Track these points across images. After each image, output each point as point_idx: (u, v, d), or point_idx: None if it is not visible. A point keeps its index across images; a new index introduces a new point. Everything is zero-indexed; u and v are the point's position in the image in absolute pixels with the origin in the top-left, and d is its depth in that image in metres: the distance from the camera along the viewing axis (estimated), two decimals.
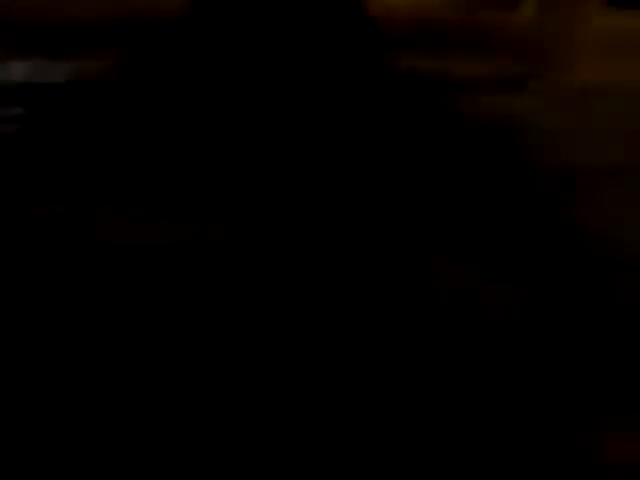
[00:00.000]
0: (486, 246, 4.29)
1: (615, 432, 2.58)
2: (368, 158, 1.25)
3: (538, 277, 3.92)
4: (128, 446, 1.85)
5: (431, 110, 7.87)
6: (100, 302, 3.15)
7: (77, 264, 3.64)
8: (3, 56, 11.32)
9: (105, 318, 3.06)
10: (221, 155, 1.38)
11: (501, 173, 5.74)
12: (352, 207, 1.38)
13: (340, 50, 1.40)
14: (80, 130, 5.88)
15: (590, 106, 8.23)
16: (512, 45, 11.23)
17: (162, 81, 7.45)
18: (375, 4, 25.40)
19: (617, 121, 7.46)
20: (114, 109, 6.33)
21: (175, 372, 2.74)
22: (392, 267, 1.48)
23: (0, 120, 6.20)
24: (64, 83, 9.26)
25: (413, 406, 2.48)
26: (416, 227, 4.53)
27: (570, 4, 10.00)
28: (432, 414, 2.59)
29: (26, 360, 2.30)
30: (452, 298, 3.63)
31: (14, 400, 2.56)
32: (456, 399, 2.77)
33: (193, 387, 2.33)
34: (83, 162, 5.43)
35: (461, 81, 9.96)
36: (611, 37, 12.57)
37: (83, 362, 2.65)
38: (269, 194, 1.36)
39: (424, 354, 2.69)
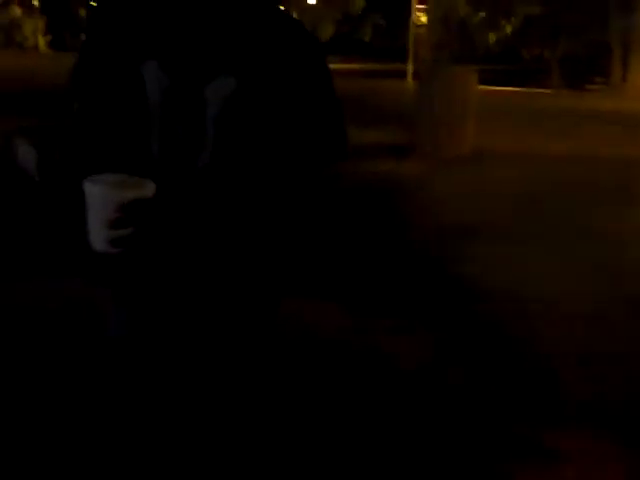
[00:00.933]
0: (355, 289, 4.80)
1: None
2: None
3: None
4: None
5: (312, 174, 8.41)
6: None
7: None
8: None
9: None
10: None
11: (378, 230, 6.32)
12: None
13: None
14: None
15: (470, 170, 8.97)
16: (400, 113, 11.99)
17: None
18: None
19: (495, 184, 8.16)
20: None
21: None
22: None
23: None
24: None
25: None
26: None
27: (451, 78, 10.81)
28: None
29: None
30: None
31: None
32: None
33: None
34: None
35: (354, 148, 10.61)
36: (488, 109, 13.63)
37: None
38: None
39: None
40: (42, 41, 43.93)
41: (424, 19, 33.14)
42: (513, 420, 3.31)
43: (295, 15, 55.11)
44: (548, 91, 23.83)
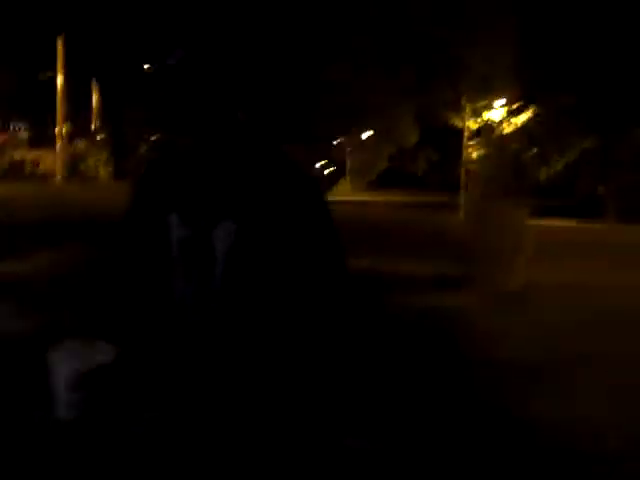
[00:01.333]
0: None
1: None
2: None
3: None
4: None
5: (367, 306, 8.29)
6: None
7: None
8: None
9: None
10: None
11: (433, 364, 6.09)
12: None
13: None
14: None
15: (522, 304, 8.74)
16: (450, 246, 11.93)
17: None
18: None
19: (548, 318, 7.92)
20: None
21: None
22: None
23: None
24: None
25: None
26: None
27: (499, 213, 10.80)
28: None
29: None
30: None
31: None
32: None
33: None
34: None
35: (401, 280, 10.51)
36: (541, 244, 13.49)
37: None
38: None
39: None
40: (103, 171, 45.68)
41: (475, 155, 33.61)
42: None
43: (349, 150, 56.57)
44: (602, 225, 23.65)
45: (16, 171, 43.21)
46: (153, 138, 55.21)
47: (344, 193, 50.47)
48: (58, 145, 41.06)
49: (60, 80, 40.78)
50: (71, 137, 43.61)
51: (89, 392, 1.51)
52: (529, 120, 33.35)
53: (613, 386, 5.60)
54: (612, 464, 4.28)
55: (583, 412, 5.00)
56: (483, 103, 34.10)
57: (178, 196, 1.67)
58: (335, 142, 58.34)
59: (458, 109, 34.17)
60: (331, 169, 67.56)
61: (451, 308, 8.56)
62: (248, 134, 1.71)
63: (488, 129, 35.10)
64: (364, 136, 53.52)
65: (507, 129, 35.07)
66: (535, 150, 33.69)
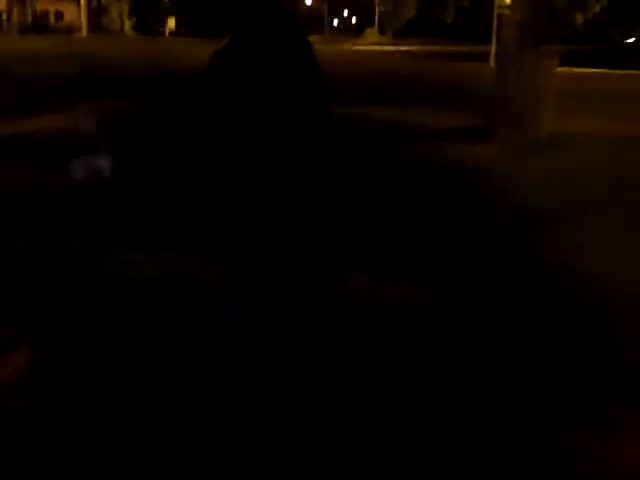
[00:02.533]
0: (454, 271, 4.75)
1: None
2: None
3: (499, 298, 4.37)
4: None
5: (394, 158, 8.36)
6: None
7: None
8: None
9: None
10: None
11: (463, 210, 6.23)
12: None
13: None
14: None
15: (547, 154, 8.75)
16: (481, 96, 11.80)
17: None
18: (339, 52, 26.05)
19: (571, 169, 7.93)
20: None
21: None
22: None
23: None
24: None
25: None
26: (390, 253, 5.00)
27: (530, 59, 10.55)
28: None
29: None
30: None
31: None
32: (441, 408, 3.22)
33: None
34: None
35: (432, 131, 10.50)
36: (572, 92, 13.25)
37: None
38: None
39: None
40: (128, 24, 44.78)
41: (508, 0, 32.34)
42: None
43: None
44: (638, 72, 23.01)
45: (40, 24, 42.55)
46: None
47: (372, 41, 49.22)
48: None
49: None
50: None
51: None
52: None
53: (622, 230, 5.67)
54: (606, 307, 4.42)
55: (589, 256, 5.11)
56: None
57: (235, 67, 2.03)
58: None
59: None
60: (356, 17, 65.43)
61: (475, 157, 8.59)
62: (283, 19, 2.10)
63: None
64: None
65: None
66: None
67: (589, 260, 5.01)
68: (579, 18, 34.63)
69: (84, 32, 39.18)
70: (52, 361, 3.31)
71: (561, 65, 10.87)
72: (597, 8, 32.97)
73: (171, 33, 51.72)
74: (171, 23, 53.73)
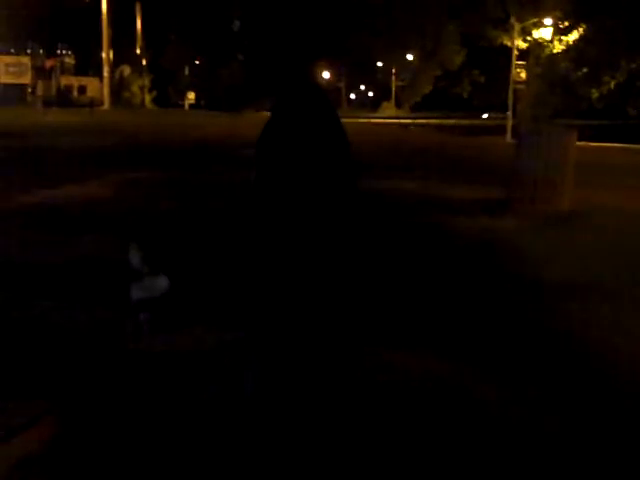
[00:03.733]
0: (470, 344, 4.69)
1: None
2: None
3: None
4: None
5: (417, 229, 8.37)
6: None
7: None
8: None
9: None
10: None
11: (477, 284, 6.18)
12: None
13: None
14: None
15: (568, 228, 8.74)
16: (497, 169, 11.87)
17: None
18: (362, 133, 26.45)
19: (594, 242, 7.90)
20: None
21: None
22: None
23: None
24: None
25: None
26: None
27: (550, 133, 10.67)
28: None
29: None
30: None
31: None
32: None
33: None
34: None
35: (451, 203, 10.55)
36: (590, 166, 13.33)
37: None
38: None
39: None
40: (148, 98, 45.76)
41: (523, 75, 32.89)
42: None
43: (394, 70, 55.68)
44: None
45: (64, 98, 43.52)
46: (197, 62, 55.04)
47: (389, 114, 49.95)
48: (105, 71, 41.03)
49: (104, 3, 40.56)
50: (115, 63, 43.59)
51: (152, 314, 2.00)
52: (579, 39, 32.43)
53: None
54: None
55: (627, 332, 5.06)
56: (533, 21, 33.20)
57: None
58: (379, 65, 57.50)
59: (506, 28, 33.35)
60: (373, 92, 66.58)
61: (498, 230, 8.58)
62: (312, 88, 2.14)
63: (537, 48, 34.26)
64: (409, 58, 52.59)
65: (557, 48, 34.18)
66: (585, 70, 32.87)
67: (618, 335, 4.95)
68: (594, 93, 35.10)
69: (106, 105, 40.01)
70: (73, 434, 3.26)
71: (577, 140, 10.94)
72: (612, 84, 33.36)
73: (191, 106, 52.80)
74: (190, 96, 54.89)
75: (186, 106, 53.21)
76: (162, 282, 2.05)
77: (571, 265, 6.82)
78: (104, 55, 40.72)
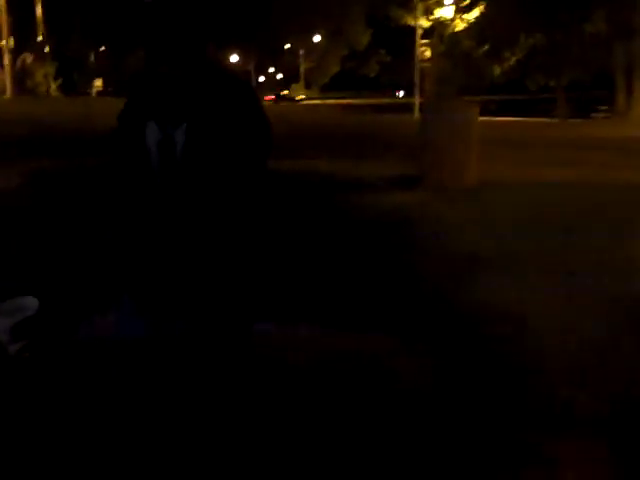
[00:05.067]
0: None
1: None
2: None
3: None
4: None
5: (323, 207, 8.58)
6: None
7: None
8: None
9: None
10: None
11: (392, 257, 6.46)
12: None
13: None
14: None
15: (474, 200, 9.11)
16: (407, 146, 12.19)
17: None
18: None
19: (499, 213, 8.27)
20: None
21: None
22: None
23: None
24: None
25: None
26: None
27: (452, 109, 11.06)
28: None
29: None
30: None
31: None
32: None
33: None
34: None
35: (361, 181, 10.82)
36: (493, 140, 13.82)
37: None
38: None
39: None
40: (54, 86, 44.61)
41: (428, 54, 33.56)
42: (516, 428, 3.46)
43: (302, 52, 55.85)
44: (553, 120, 24.07)
45: None
46: (102, 48, 53.84)
47: (298, 96, 50.09)
48: (6, 59, 39.77)
49: None
50: (18, 51, 42.28)
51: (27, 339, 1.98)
52: (480, 17, 33.24)
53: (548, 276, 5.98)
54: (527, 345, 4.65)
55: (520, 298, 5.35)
56: (435, 0, 33.87)
57: (154, 109, 2.18)
58: (287, 47, 57.52)
59: (410, 7, 33.89)
60: (282, 74, 66.62)
61: (406, 204, 8.88)
62: (209, 62, 2.20)
63: (440, 27, 34.95)
64: (315, 39, 52.78)
65: (459, 26, 34.95)
66: (487, 47, 33.74)
67: (519, 302, 5.27)
68: (496, 69, 35.99)
69: (8, 94, 38.88)
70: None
71: (481, 114, 11.37)
72: (513, 60, 34.33)
73: (99, 93, 51.70)
74: (98, 83, 53.73)
75: (93, 93, 52.11)
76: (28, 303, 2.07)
77: (476, 236, 7.12)
78: (3, 43, 39.49)
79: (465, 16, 34.07)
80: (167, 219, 2.14)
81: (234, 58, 60.24)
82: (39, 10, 45.41)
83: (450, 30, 35.03)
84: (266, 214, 2.26)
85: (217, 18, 2.26)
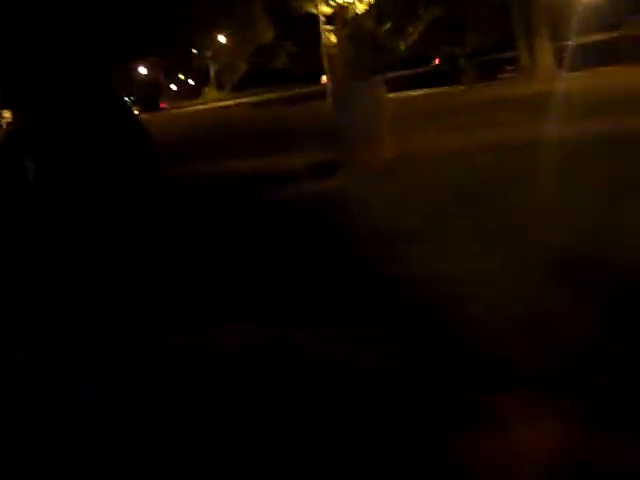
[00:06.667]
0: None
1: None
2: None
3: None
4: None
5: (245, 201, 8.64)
6: None
7: None
8: None
9: None
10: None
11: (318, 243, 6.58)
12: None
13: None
14: None
15: (393, 177, 9.29)
16: (320, 133, 12.31)
17: None
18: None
19: (418, 187, 8.42)
20: None
21: None
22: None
23: None
24: None
25: None
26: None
27: (358, 89, 11.23)
28: None
29: None
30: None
31: None
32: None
33: None
34: None
35: (281, 173, 10.88)
36: (404, 114, 14.03)
37: None
38: None
39: None
40: None
41: (334, 39, 33.73)
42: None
43: (209, 54, 55.40)
44: (461, 87, 24.50)
45: None
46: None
47: (211, 99, 49.77)
48: None
49: None
50: None
51: None
52: None
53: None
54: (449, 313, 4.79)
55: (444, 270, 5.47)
56: None
57: (30, 145, 2.24)
58: (194, 52, 57.04)
59: None
60: (193, 79, 66.05)
61: (327, 190, 9.01)
62: (81, 84, 2.25)
63: (342, 11, 35.13)
64: (222, 39, 52.50)
65: (359, 8, 35.21)
66: (389, 25, 34.07)
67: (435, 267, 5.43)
68: (401, 45, 36.25)
69: None
70: None
71: (392, 91, 11.53)
72: (416, 34, 34.64)
73: (9, 124, 50.56)
74: (7, 115, 52.58)
75: (3, 124, 51.01)
76: None
77: (396, 213, 7.26)
78: None
79: None
80: (53, 245, 2.17)
81: (142, 70, 59.58)
82: None
83: (351, 13, 35.26)
84: (161, 223, 2.32)
85: (93, 40, 2.30)
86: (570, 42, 24.10)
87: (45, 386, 2.30)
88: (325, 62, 31.81)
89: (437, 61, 35.35)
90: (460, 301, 4.72)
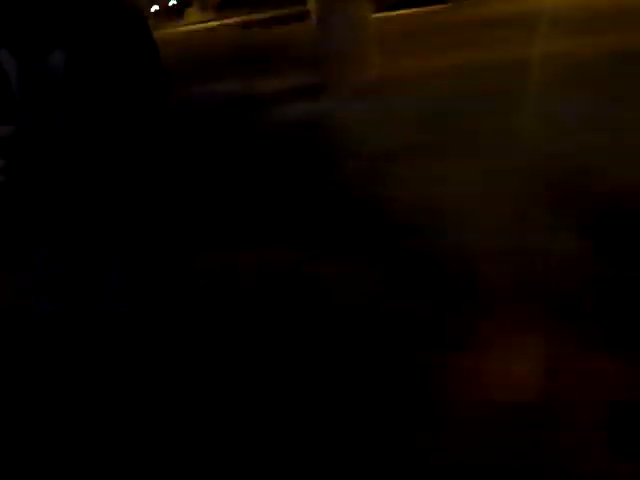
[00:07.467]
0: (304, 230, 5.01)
1: None
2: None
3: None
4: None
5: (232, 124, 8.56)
6: None
7: None
8: None
9: None
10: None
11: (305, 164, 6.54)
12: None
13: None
14: None
15: (378, 97, 9.17)
16: (305, 54, 12.09)
17: None
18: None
19: (404, 110, 8.32)
20: None
21: None
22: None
23: None
24: None
25: None
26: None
27: (344, 9, 10.95)
28: None
29: None
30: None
31: None
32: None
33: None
34: None
35: (265, 96, 10.71)
36: (390, 34, 13.74)
37: None
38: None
39: None
40: None
41: None
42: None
43: None
44: (447, 5, 23.95)
45: None
46: None
47: (195, 20, 48.69)
48: None
49: None
50: None
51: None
52: None
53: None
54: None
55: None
56: None
57: (5, 33, 1.83)
58: None
59: None
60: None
61: (313, 112, 8.90)
62: None
63: None
64: None
65: None
66: None
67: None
68: None
69: None
70: None
71: (379, 10, 11.29)
72: None
73: None
74: None
75: None
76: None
77: (383, 133, 7.20)
78: None
79: None
80: (58, 158, 1.87)
81: None
82: None
83: None
84: (172, 143, 2.13)
85: None
86: None
87: (67, 298, 2.06)
88: None
89: None
90: (443, 221, 4.71)
